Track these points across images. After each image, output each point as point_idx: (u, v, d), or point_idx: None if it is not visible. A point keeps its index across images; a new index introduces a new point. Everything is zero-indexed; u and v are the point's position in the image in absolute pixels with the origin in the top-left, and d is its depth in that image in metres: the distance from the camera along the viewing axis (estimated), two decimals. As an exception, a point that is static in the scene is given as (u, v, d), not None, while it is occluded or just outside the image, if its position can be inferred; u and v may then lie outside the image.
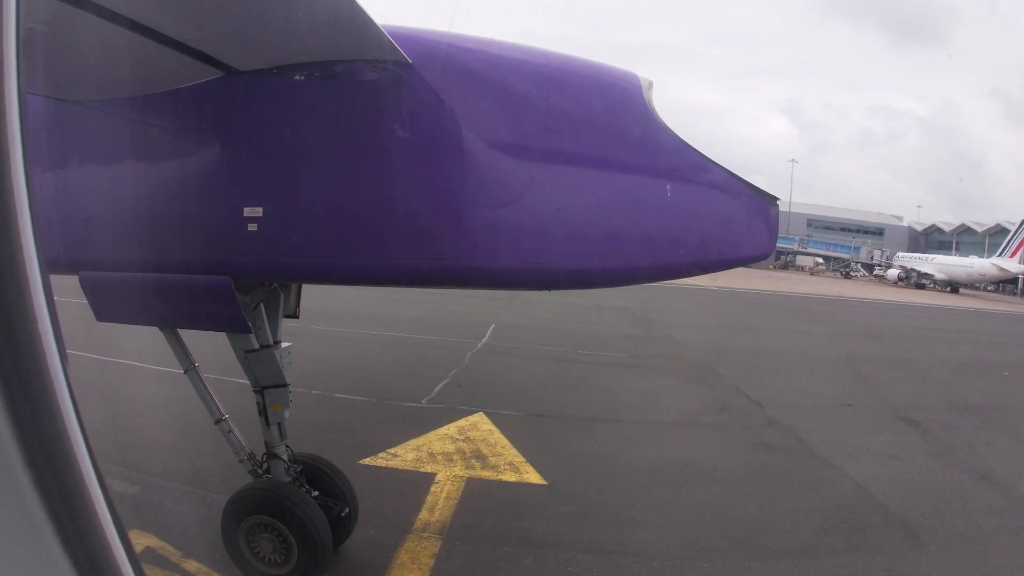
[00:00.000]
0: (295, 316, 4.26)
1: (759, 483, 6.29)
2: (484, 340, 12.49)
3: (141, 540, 4.07)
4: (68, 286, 3.27)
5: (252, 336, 3.67)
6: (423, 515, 4.90)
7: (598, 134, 3.31)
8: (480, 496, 5.39)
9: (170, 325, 3.71)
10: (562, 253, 3.26)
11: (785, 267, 65.63)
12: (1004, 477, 6.89)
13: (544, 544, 4.65)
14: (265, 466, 3.99)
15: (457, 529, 4.74)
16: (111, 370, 7.47)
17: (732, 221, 3.46)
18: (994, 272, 49.15)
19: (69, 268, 3.45)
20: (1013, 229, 49.60)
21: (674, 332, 16.46)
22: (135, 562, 1.04)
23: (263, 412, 3.86)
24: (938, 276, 50.55)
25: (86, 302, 3.50)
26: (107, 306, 3.54)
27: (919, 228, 75.35)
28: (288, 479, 3.95)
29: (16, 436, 0.93)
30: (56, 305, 1.02)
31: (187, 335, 3.87)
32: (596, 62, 3.54)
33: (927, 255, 56.33)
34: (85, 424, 1.03)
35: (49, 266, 3.18)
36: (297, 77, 3.17)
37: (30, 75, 2.91)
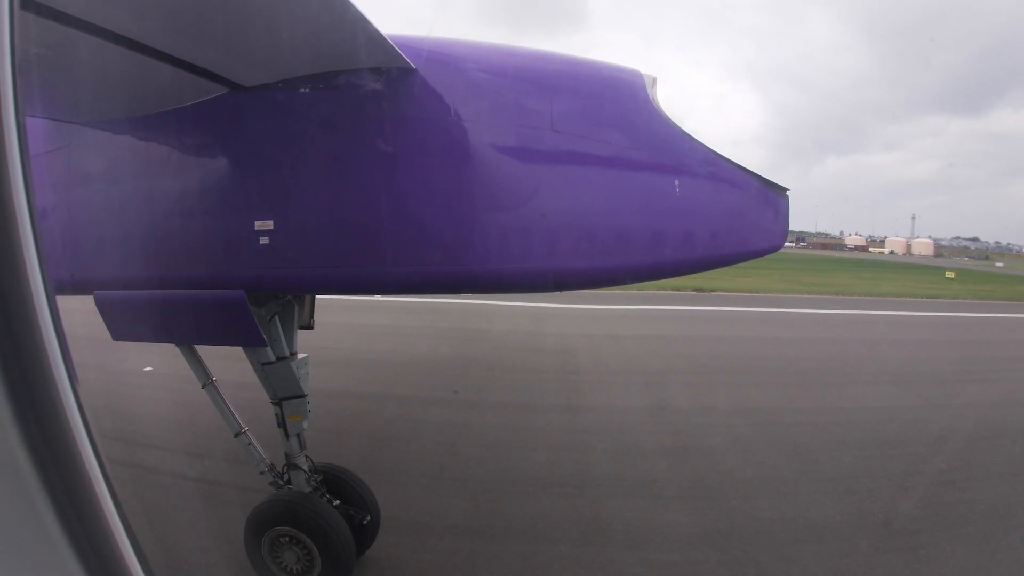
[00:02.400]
0: (310, 327, 4.29)
1: None
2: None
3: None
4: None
5: (268, 349, 3.70)
6: None
7: (603, 133, 3.29)
8: None
9: (186, 342, 3.75)
10: (573, 253, 3.24)
11: None
12: None
13: None
14: (286, 477, 4.02)
15: None
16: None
17: (743, 214, 3.43)
18: None
19: (84, 288, 3.51)
20: None
21: None
22: (144, 561, 1.06)
23: (282, 424, 3.89)
24: None
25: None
26: (123, 325, 3.58)
27: None
28: (309, 489, 3.98)
29: (28, 449, 0.96)
30: (63, 326, 1.04)
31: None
32: (598, 61, 3.54)
33: None
34: (95, 438, 1.05)
35: (64, 287, 3.24)
36: (302, 89, 3.21)
37: (40, 99, 2.99)
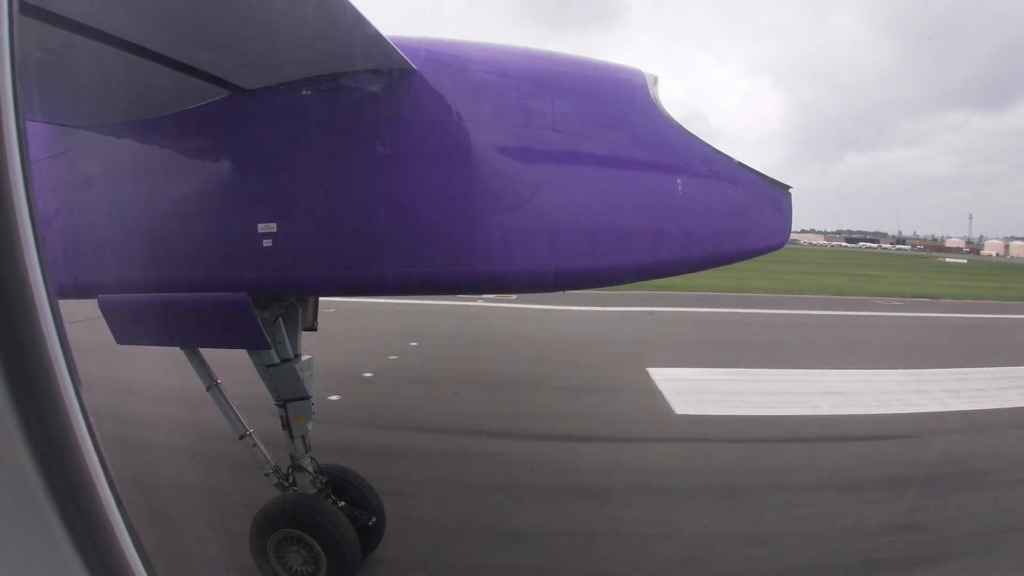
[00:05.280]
0: (313, 328, 4.30)
1: None
2: None
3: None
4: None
5: (272, 351, 3.71)
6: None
7: (605, 133, 3.29)
8: None
9: (190, 344, 3.76)
10: (575, 253, 3.24)
11: None
12: None
13: None
14: (291, 479, 4.03)
15: None
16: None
17: (745, 213, 3.42)
18: None
19: (88, 292, 3.52)
20: None
21: None
22: (147, 563, 1.06)
23: (287, 425, 3.90)
24: None
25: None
26: (126, 329, 3.59)
27: None
28: (314, 491, 3.99)
29: (32, 451, 0.96)
30: (65, 328, 1.04)
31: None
32: (600, 60, 3.54)
33: None
34: (99, 439, 1.06)
35: (67, 290, 3.23)
36: (304, 92, 3.21)
37: (43, 104, 3.00)
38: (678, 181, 3.27)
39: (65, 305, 1.15)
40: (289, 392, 3.86)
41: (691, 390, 8.97)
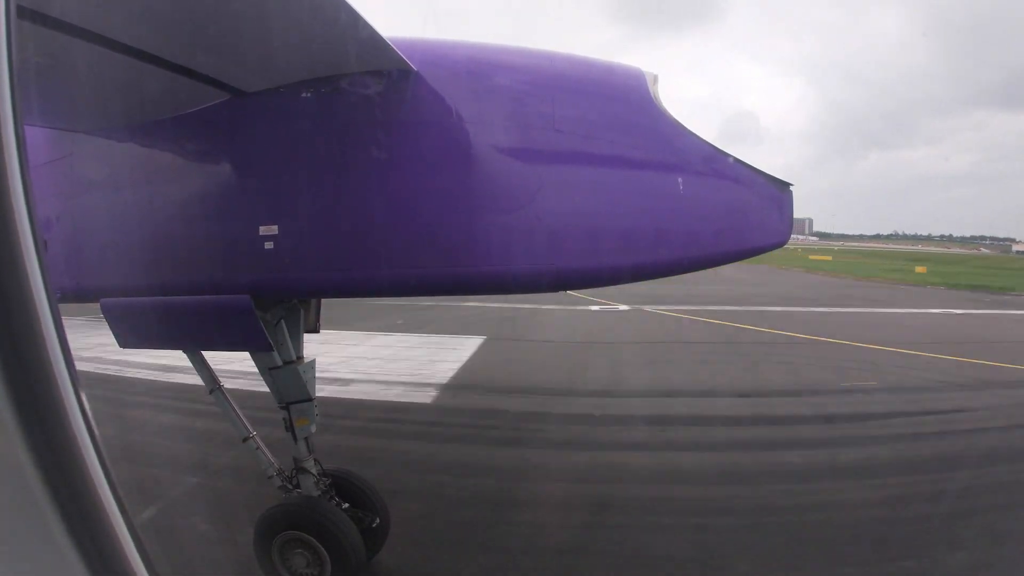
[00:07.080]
0: (316, 331, 4.30)
1: None
2: None
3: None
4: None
5: (275, 353, 3.72)
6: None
7: (606, 132, 3.28)
8: None
9: (193, 347, 3.77)
10: (576, 253, 3.23)
11: None
12: None
13: None
14: (295, 481, 4.03)
15: None
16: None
17: (746, 211, 3.41)
18: None
19: (90, 296, 3.54)
20: None
21: None
22: (148, 563, 1.07)
23: (290, 428, 3.90)
24: None
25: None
26: (129, 332, 3.60)
27: None
28: (318, 493, 3.99)
29: (32, 452, 0.97)
30: (65, 330, 1.05)
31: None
32: (599, 60, 3.54)
33: None
34: (99, 440, 1.06)
35: (69, 294, 3.23)
36: (304, 94, 3.21)
37: (43, 109, 3.01)
38: (679, 180, 3.26)
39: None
40: (292, 394, 3.86)
41: None
